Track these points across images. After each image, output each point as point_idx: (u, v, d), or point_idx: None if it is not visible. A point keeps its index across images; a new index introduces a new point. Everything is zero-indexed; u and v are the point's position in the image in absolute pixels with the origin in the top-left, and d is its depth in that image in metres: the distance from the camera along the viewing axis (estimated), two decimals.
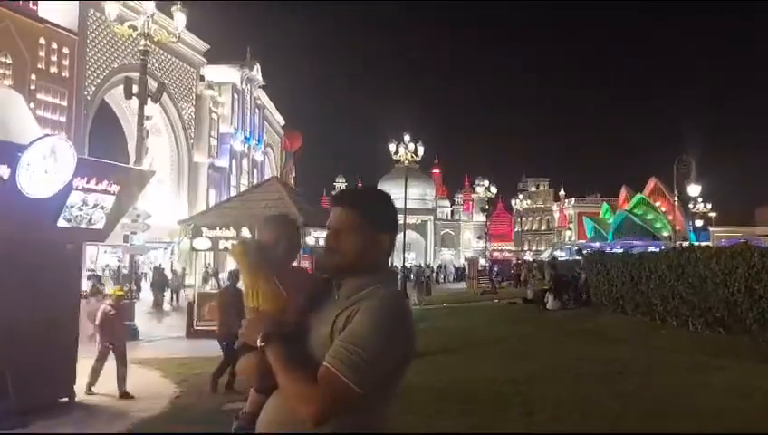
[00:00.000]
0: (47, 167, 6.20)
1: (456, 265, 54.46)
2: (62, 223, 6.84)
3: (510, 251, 74.15)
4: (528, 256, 58.42)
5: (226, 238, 14.56)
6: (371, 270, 1.76)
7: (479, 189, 62.01)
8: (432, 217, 70.85)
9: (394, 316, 1.68)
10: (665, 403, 6.99)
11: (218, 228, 14.44)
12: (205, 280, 19.03)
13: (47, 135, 6.72)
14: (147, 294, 23.18)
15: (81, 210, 6.91)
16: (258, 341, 1.71)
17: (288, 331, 1.75)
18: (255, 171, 43.39)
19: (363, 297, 1.71)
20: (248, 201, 15.55)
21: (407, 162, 30.36)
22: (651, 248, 27.96)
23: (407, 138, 30.24)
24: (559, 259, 33.60)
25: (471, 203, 70.60)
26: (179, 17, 15.71)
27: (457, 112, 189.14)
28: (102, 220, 7.43)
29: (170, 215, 27.38)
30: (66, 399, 7.31)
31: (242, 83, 40.11)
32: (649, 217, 58.79)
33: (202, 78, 37.14)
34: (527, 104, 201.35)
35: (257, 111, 43.90)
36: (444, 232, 70.35)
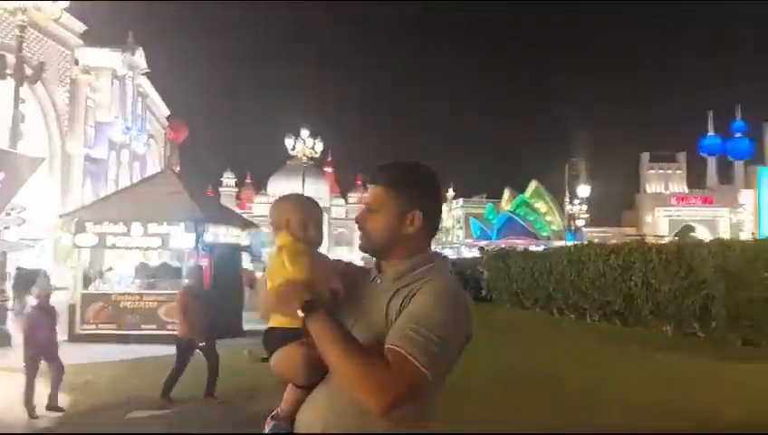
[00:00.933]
0: None
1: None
2: None
3: None
4: None
5: (115, 234, 13.42)
6: (414, 251, 1.62)
7: None
8: (327, 217, 70.34)
9: (457, 298, 1.55)
10: (587, 394, 7.13)
11: (106, 223, 13.26)
12: (90, 280, 17.37)
13: None
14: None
15: None
16: (299, 311, 1.47)
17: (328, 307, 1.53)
18: (137, 163, 40.69)
19: (416, 279, 1.57)
20: (141, 194, 14.38)
21: (304, 158, 29.69)
22: (533, 247, 29.42)
23: (305, 133, 29.57)
24: (449, 258, 34.37)
25: None
26: None
27: (349, 110, 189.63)
28: None
29: (39, 209, 24.91)
30: None
31: (123, 69, 37.50)
32: (531, 217, 62.14)
33: (77, 61, 34.26)
34: (417, 105, 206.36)
35: (139, 99, 41.23)
36: (338, 232, 70.04)
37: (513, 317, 14.94)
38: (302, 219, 1.65)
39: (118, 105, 37.96)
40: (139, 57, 40.32)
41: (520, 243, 46.16)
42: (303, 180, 30.92)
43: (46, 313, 7.11)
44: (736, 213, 65.06)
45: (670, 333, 10.89)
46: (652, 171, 68.73)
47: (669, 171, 68.63)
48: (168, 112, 49.27)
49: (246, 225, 16.49)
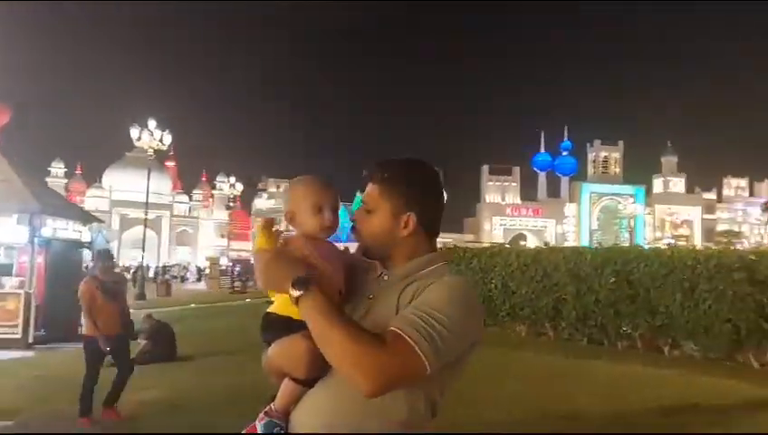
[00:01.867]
0: None
1: (199, 265, 51.82)
2: None
3: (248, 251, 73.54)
4: None
5: None
6: (414, 253, 1.55)
7: (224, 187, 60.46)
8: (168, 213, 66.47)
9: (469, 298, 1.49)
10: (461, 392, 7.33)
11: None
12: None
13: None
14: None
15: None
16: (290, 288, 1.37)
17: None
18: None
19: (427, 277, 1.50)
20: None
21: (150, 150, 27.74)
22: None
23: (152, 123, 27.60)
24: None
25: (211, 200, 68.04)
26: None
27: (194, 103, 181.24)
28: None
29: None
30: None
31: None
32: None
33: None
34: (268, 103, 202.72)
35: None
36: (181, 229, 66.47)
37: None
38: (316, 202, 1.55)
39: None
40: None
41: None
42: (149, 174, 28.90)
43: None
44: (562, 224, 71.87)
45: (524, 332, 11.62)
46: (491, 183, 73.70)
47: (506, 183, 74.00)
48: None
49: (88, 219, 15.05)
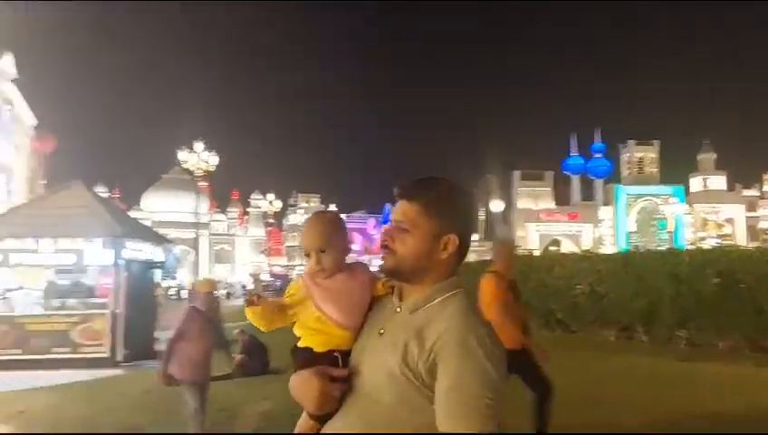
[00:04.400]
0: None
1: (243, 283, 52.35)
2: None
3: (282, 266, 74.19)
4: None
5: (21, 251, 11.94)
6: (440, 278, 1.47)
7: (262, 204, 61.14)
8: (207, 232, 67.41)
9: (493, 340, 1.38)
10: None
11: (9, 239, 11.77)
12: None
13: None
14: None
15: None
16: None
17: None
18: (3, 175, 36.66)
19: (435, 314, 1.41)
20: (48, 208, 12.82)
21: (200, 172, 28.17)
22: None
23: (199, 146, 28.05)
24: None
25: (246, 217, 68.71)
26: None
27: (222, 121, 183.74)
28: None
29: None
30: None
31: None
32: None
33: None
34: (296, 118, 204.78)
35: (7, 107, 37.23)
36: (219, 247, 67.20)
37: None
38: (305, 247, 1.56)
39: None
40: (10, 64, 36.60)
41: None
42: (198, 195, 29.40)
43: None
44: (598, 227, 70.79)
45: (612, 337, 11.47)
46: (523, 188, 72.94)
47: (538, 188, 73.16)
48: (35, 122, 45.03)
49: (161, 241, 15.36)
